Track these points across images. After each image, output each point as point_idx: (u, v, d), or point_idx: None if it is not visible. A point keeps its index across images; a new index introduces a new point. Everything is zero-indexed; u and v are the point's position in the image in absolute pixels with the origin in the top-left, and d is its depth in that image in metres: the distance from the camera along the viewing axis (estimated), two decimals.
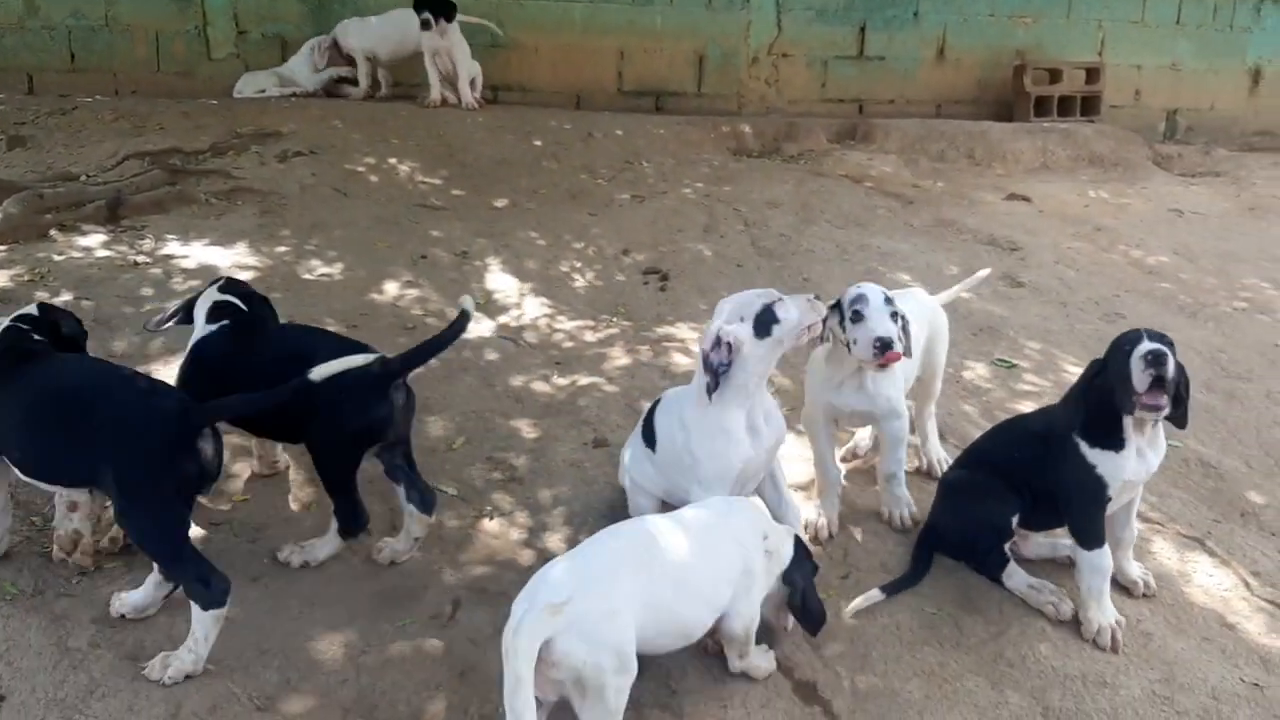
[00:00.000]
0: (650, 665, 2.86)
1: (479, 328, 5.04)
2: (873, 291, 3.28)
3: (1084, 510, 3.05)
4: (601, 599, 2.35)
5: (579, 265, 5.98)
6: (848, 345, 3.29)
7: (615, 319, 5.27)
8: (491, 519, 3.52)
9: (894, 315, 3.25)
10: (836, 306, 3.32)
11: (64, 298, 4.87)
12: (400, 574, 3.20)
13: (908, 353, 3.32)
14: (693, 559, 2.59)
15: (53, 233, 5.79)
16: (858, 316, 3.23)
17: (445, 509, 3.54)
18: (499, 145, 7.78)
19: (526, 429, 4.11)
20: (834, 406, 3.48)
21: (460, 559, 3.30)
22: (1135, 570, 3.28)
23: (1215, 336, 5.49)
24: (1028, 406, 4.35)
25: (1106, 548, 3.05)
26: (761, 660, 2.82)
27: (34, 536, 3.25)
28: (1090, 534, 3.04)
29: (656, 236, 6.40)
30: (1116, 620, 3.02)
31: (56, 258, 5.46)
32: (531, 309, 5.27)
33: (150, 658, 2.74)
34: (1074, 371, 4.85)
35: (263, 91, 8.69)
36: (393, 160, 7.42)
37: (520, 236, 6.34)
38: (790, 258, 6.25)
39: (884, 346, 3.19)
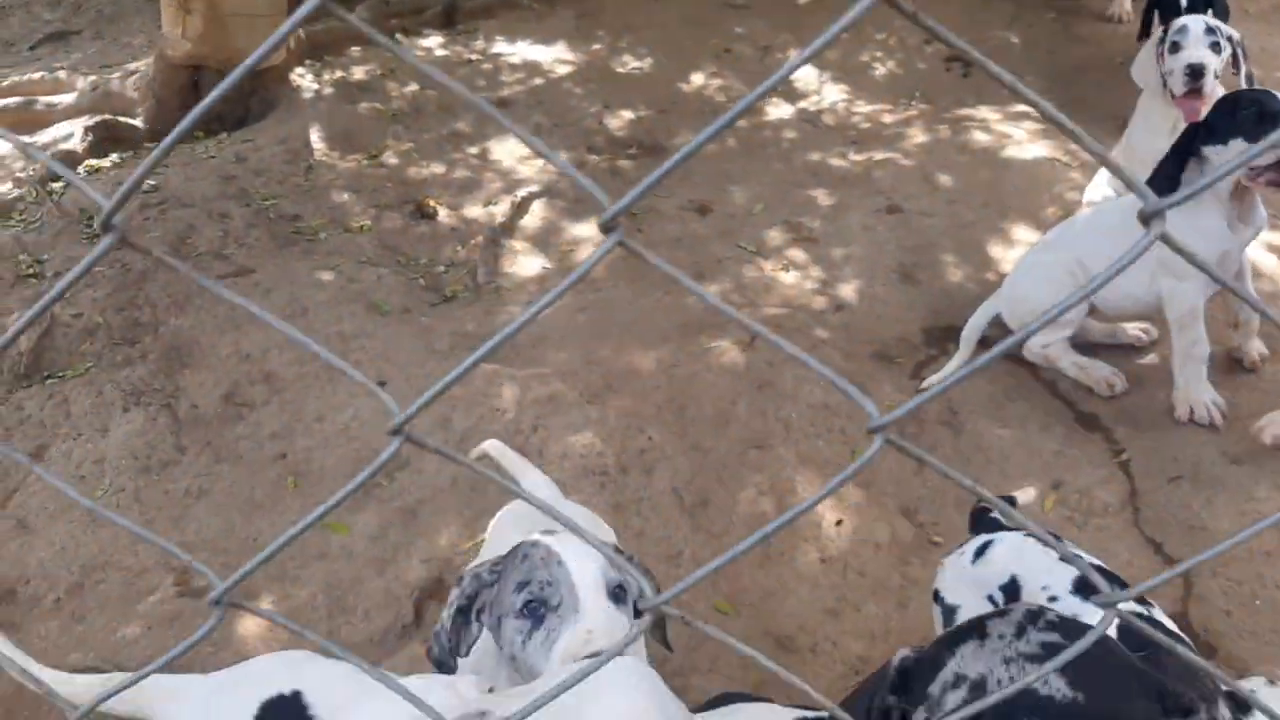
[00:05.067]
0: None
1: (779, 110, 5.23)
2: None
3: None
4: None
5: (880, 55, 5.98)
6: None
7: (914, 103, 5.30)
8: (788, 271, 3.79)
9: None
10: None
11: (411, 88, 5.48)
12: (703, 310, 3.55)
13: None
14: None
15: (397, 36, 6.43)
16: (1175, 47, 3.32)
17: (745, 263, 3.85)
18: None
19: (822, 198, 4.32)
20: None
21: (759, 301, 3.61)
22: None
23: None
24: None
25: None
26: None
27: (400, 272, 3.86)
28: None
29: (961, 26, 6.24)
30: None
31: None
32: (830, 94, 5.38)
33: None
34: None
35: None
36: None
37: (823, 30, 6.36)
38: None
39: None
